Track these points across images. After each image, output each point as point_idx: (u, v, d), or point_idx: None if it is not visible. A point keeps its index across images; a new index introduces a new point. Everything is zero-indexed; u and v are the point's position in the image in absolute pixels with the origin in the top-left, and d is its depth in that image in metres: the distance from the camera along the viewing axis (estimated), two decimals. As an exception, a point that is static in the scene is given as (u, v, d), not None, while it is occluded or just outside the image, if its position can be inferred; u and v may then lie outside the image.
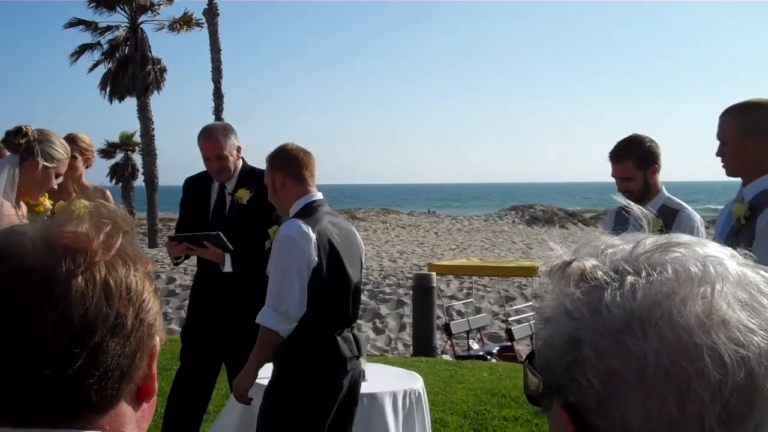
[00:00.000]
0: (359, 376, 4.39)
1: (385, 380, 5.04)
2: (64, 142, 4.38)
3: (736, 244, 3.23)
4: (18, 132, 4.19)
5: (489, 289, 20.09)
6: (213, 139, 5.14)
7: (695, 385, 0.81)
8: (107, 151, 37.10)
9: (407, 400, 4.83)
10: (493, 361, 11.45)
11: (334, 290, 4.11)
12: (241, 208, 5.14)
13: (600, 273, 0.89)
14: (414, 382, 5.07)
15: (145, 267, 1.11)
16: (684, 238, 0.91)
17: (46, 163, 4.19)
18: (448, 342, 12.87)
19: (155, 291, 1.12)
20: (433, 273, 13.80)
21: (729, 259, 0.88)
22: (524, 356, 1.03)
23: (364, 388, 4.82)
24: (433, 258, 27.69)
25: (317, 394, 4.08)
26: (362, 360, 4.41)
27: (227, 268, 4.98)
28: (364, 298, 19.39)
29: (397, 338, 16.12)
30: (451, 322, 12.96)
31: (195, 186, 5.39)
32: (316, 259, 4.03)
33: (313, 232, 4.04)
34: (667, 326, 0.82)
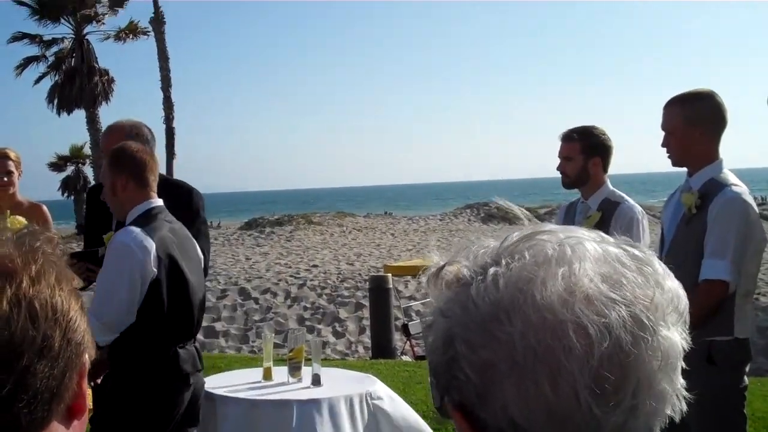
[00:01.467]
0: (201, 390, 4.18)
1: (339, 384, 5.00)
2: None
3: (689, 234, 3.28)
4: None
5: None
6: (109, 131, 4.79)
7: (564, 361, 0.81)
8: (57, 165, 36.70)
9: (364, 404, 4.78)
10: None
11: (174, 303, 3.85)
12: None
13: (466, 271, 0.91)
14: (370, 384, 5.03)
15: (71, 284, 1.10)
16: (549, 226, 0.93)
17: None
18: (407, 343, 12.85)
19: (82, 308, 1.10)
20: (389, 274, 13.78)
21: (589, 240, 0.90)
22: None
23: (318, 393, 4.80)
24: (390, 259, 27.69)
25: (156, 408, 3.85)
26: (201, 374, 4.18)
27: None
28: (323, 302, 19.40)
29: (358, 341, 16.10)
30: (410, 323, 12.93)
31: (92, 195, 4.92)
32: (155, 270, 3.76)
33: (153, 241, 3.79)
34: (531, 309, 0.83)
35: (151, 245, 3.76)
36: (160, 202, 4.02)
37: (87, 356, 1.10)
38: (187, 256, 4.00)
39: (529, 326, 0.83)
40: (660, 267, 0.90)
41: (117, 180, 3.98)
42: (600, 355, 0.81)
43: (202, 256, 4.24)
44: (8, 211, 5.31)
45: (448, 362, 0.89)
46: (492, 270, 0.88)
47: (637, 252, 0.90)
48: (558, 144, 4.79)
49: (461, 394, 0.88)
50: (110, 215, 4.54)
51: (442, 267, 0.94)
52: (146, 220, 3.91)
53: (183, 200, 4.60)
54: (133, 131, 4.69)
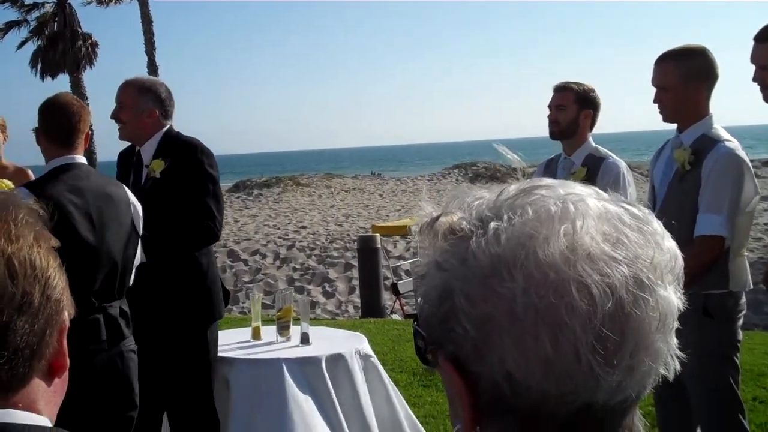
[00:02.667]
0: (121, 360, 3.83)
1: (328, 343, 5.00)
2: None
3: (682, 190, 3.27)
4: None
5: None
6: (123, 84, 4.65)
7: (566, 319, 0.81)
8: (42, 130, 36.38)
9: (352, 361, 4.78)
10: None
11: (67, 269, 3.52)
12: (156, 181, 4.48)
13: (465, 223, 0.90)
14: (358, 342, 5.04)
15: (48, 243, 1.11)
16: (546, 181, 0.92)
17: None
18: (397, 302, 12.89)
19: (60, 266, 1.11)
20: (378, 234, 13.79)
21: (589, 196, 0.89)
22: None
23: (307, 352, 4.80)
24: (378, 220, 27.73)
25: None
26: (126, 341, 3.87)
27: (142, 257, 4.21)
28: (312, 262, 19.43)
29: (348, 301, 16.15)
30: (399, 282, 12.94)
31: (122, 158, 4.82)
32: None
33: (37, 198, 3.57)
34: (533, 265, 0.83)
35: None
36: (75, 159, 3.80)
37: (66, 314, 1.11)
38: (99, 217, 3.74)
39: (531, 283, 0.83)
40: (659, 226, 0.90)
41: (37, 134, 3.87)
42: (603, 315, 0.82)
43: (135, 216, 3.99)
44: None
45: (445, 315, 0.88)
46: (493, 224, 0.87)
47: (636, 210, 0.90)
48: (547, 97, 4.79)
49: (457, 347, 0.88)
50: (128, 179, 4.52)
51: (437, 218, 0.93)
52: (43, 179, 3.75)
53: (187, 158, 4.50)
54: (146, 86, 4.63)
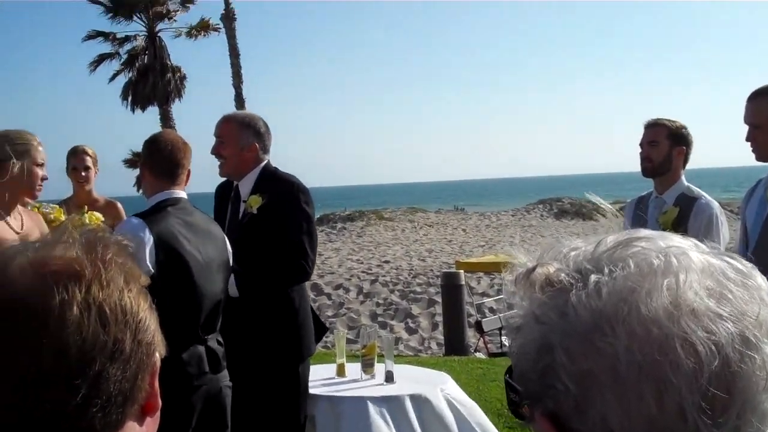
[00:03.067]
0: (219, 394, 3.89)
1: (412, 382, 4.93)
2: (25, 133, 4.18)
3: None
4: None
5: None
6: (222, 120, 4.70)
7: (671, 377, 0.79)
8: (132, 161, 37.22)
9: (436, 401, 4.70)
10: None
11: (173, 302, 3.55)
12: (253, 217, 4.51)
13: (563, 275, 0.87)
14: (442, 381, 4.96)
15: (138, 283, 1.09)
16: (644, 232, 0.90)
17: (15, 161, 4.03)
18: (481, 340, 12.75)
19: (151, 306, 1.10)
20: (462, 271, 13.67)
21: (691, 249, 0.88)
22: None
23: (391, 390, 4.75)
24: (461, 255, 27.58)
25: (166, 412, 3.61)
26: (222, 375, 3.93)
27: (232, 291, 4.29)
28: (395, 298, 19.38)
29: (431, 337, 16.04)
30: (483, 320, 12.83)
31: (219, 192, 4.87)
32: (149, 265, 3.52)
33: (151, 234, 3.62)
34: (636, 321, 0.81)
35: (148, 238, 3.62)
36: (178, 193, 3.89)
37: (158, 355, 1.10)
38: (204, 252, 3.83)
39: (634, 339, 0.80)
40: (763, 282, 0.87)
41: (141, 168, 3.98)
42: (709, 374, 0.79)
43: (229, 255, 4.07)
44: (86, 206, 5.37)
45: (543, 370, 0.86)
46: (593, 277, 0.85)
47: (739, 265, 0.87)
48: (633, 130, 4.72)
49: (556, 404, 0.85)
50: (225, 216, 4.57)
51: (533, 269, 0.91)
52: (151, 211, 3.81)
53: (284, 195, 4.52)
54: (246, 122, 4.66)
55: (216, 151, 4.64)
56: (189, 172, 3.99)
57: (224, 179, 4.84)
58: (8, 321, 0.98)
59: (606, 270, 0.85)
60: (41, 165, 4.15)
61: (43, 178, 4.18)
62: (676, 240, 0.89)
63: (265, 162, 4.66)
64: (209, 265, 3.85)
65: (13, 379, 0.97)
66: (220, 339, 3.98)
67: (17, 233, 4.08)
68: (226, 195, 4.77)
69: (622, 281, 0.83)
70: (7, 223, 4.06)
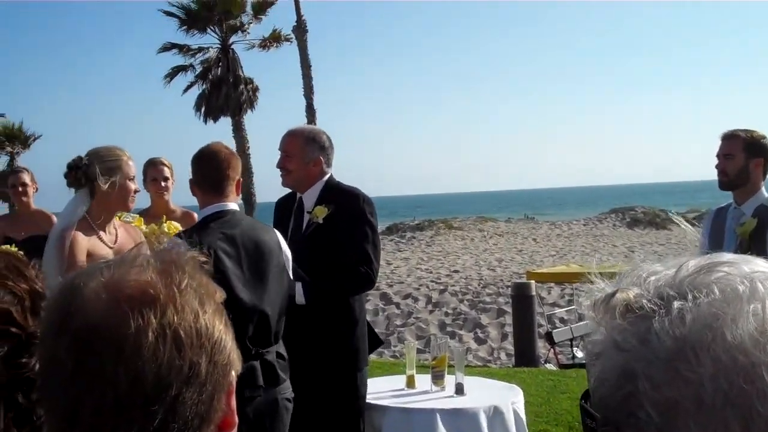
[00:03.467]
0: (276, 406, 3.89)
1: (483, 394, 4.91)
2: (115, 148, 4.32)
3: None
4: (71, 169, 4.18)
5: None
6: (288, 134, 4.76)
7: (757, 406, 0.77)
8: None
9: (506, 414, 4.67)
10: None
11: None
12: (318, 227, 4.59)
13: (645, 301, 0.85)
14: (514, 395, 4.92)
15: (214, 301, 1.09)
16: (727, 256, 0.88)
17: (110, 178, 4.17)
18: (551, 351, 12.64)
19: (227, 324, 1.10)
20: (533, 281, 13.57)
21: None
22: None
23: (462, 403, 4.72)
24: (532, 265, 27.39)
25: None
26: (282, 387, 3.93)
27: (299, 299, 4.36)
28: (464, 308, 19.32)
29: (500, 348, 15.95)
30: (554, 331, 12.72)
31: (281, 205, 4.94)
32: None
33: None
34: (721, 348, 0.79)
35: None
36: (226, 206, 3.91)
37: (234, 373, 1.10)
38: (251, 264, 3.83)
39: (719, 367, 0.78)
40: None
41: (190, 184, 3.99)
42: None
43: (285, 263, 4.07)
44: (164, 217, 5.48)
45: (625, 398, 0.83)
46: (677, 304, 0.83)
47: None
48: (708, 139, 4.63)
49: None
50: (288, 227, 4.60)
51: (612, 294, 0.89)
52: (194, 228, 3.89)
53: (349, 205, 4.60)
54: (311, 136, 4.75)
55: (282, 165, 4.72)
56: (239, 182, 4.01)
57: (286, 194, 4.93)
58: (84, 349, 1.00)
59: (689, 296, 0.83)
60: (132, 179, 4.28)
61: (135, 191, 4.32)
62: (760, 264, 0.87)
63: (329, 175, 4.75)
64: (255, 278, 3.84)
65: (89, 406, 0.99)
66: (282, 351, 3.98)
67: (110, 248, 4.20)
68: (287, 208, 4.84)
69: (707, 308, 0.82)
70: (100, 239, 4.18)
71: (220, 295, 1.12)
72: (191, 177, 4.01)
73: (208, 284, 1.11)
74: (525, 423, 4.87)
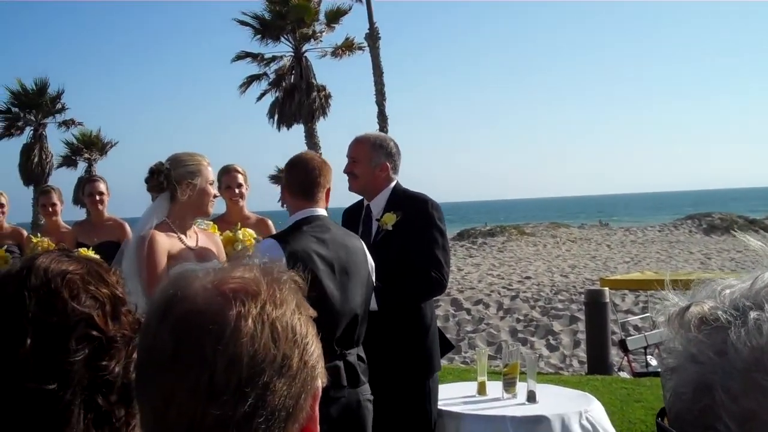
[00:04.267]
0: (358, 407, 3.96)
1: (555, 402, 4.87)
2: (195, 154, 4.41)
3: None
4: (153, 173, 4.28)
5: (665, 295, 19.31)
6: (355, 140, 4.83)
7: None
8: (277, 177, 37.99)
9: (579, 423, 4.62)
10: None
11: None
12: (387, 234, 4.63)
13: (720, 313, 0.85)
14: (587, 403, 4.87)
15: (308, 312, 1.15)
16: None
17: (191, 182, 4.27)
18: (625, 359, 12.46)
19: (317, 336, 1.15)
20: (606, 288, 13.40)
21: None
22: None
23: (533, 410, 4.69)
24: (606, 272, 27.04)
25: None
26: (362, 389, 3.99)
27: (371, 305, 4.31)
28: (536, 314, 19.16)
29: (572, 355, 15.77)
30: (627, 338, 12.53)
31: (348, 215, 4.97)
32: None
33: (283, 253, 3.71)
34: None
35: (280, 257, 3.70)
36: (316, 211, 4.00)
37: (320, 381, 1.14)
38: (341, 268, 3.92)
39: None
40: None
41: (282, 189, 4.10)
42: None
43: (370, 268, 4.16)
44: (239, 224, 5.57)
45: (702, 411, 0.83)
46: (753, 314, 0.82)
47: None
48: None
49: None
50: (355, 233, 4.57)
51: (687, 307, 0.89)
52: (287, 231, 3.95)
53: (418, 211, 4.64)
54: (378, 142, 4.81)
55: (349, 170, 4.78)
56: (329, 190, 4.10)
57: (354, 202, 4.99)
58: (187, 331, 1.06)
59: (766, 306, 0.83)
60: (212, 183, 4.39)
61: (214, 197, 4.42)
62: None
63: (395, 182, 4.80)
64: (345, 281, 3.93)
65: (188, 384, 1.04)
66: (362, 354, 4.05)
67: (191, 249, 4.29)
68: (355, 216, 4.88)
69: None
70: (182, 240, 4.28)
71: (312, 312, 1.17)
72: (284, 182, 4.12)
73: (304, 301, 1.16)
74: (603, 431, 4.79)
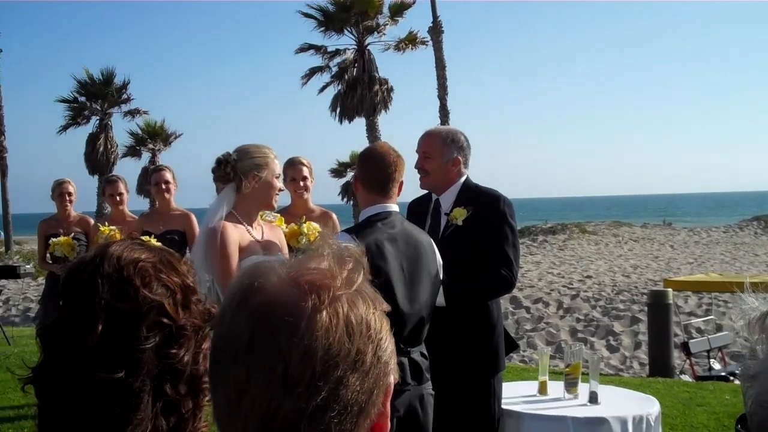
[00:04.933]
0: (422, 400, 3.94)
1: (618, 404, 4.81)
2: (262, 146, 4.41)
3: None
4: (220, 164, 4.31)
5: (731, 306, 19.00)
6: (426, 134, 4.76)
7: None
8: (338, 171, 38.29)
9: (642, 426, 4.56)
10: (737, 382, 10.79)
11: None
12: (457, 229, 4.58)
13: None
14: (650, 406, 4.80)
15: (382, 307, 1.14)
16: None
17: (258, 174, 4.28)
18: (687, 362, 12.27)
19: (390, 332, 1.14)
20: (670, 289, 13.20)
21: None
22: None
23: (595, 411, 4.64)
24: (668, 272, 26.63)
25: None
26: (426, 385, 3.97)
27: (439, 301, 4.27)
28: (596, 314, 18.95)
29: (633, 356, 15.57)
30: (690, 341, 12.33)
31: (414, 208, 4.92)
32: None
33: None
34: None
35: None
36: (389, 207, 3.97)
37: (392, 378, 1.13)
38: (411, 266, 3.89)
39: None
40: None
41: (354, 181, 4.08)
42: None
43: (439, 266, 4.12)
44: (303, 217, 5.60)
45: None
46: None
47: None
48: None
49: None
50: (422, 228, 4.52)
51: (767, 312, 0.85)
52: (360, 226, 3.94)
53: (490, 207, 4.59)
54: (449, 137, 4.75)
55: (420, 166, 4.73)
56: (401, 184, 4.07)
57: (420, 195, 4.93)
58: (262, 322, 1.06)
59: None
60: (278, 177, 4.40)
61: (280, 190, 4.43)
62: None
63: (466, 176, 4.74)
64: (414, 279, 3.90)
65: (263, 375, 1.04)
66: (425, 351, 4.03)
67: (258, 242, 4.32)
68: (421, 210, 4.83)
69: None
70: (249, 232, 4.32)
71: (386, 306, 1.16)
72: (357, 174, 4.10)
73: (378, 295, 1.15)
74: None
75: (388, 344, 1.12)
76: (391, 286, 3.74)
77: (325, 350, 1.04)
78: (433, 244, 4.15)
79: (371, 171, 4.01)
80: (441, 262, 4.17)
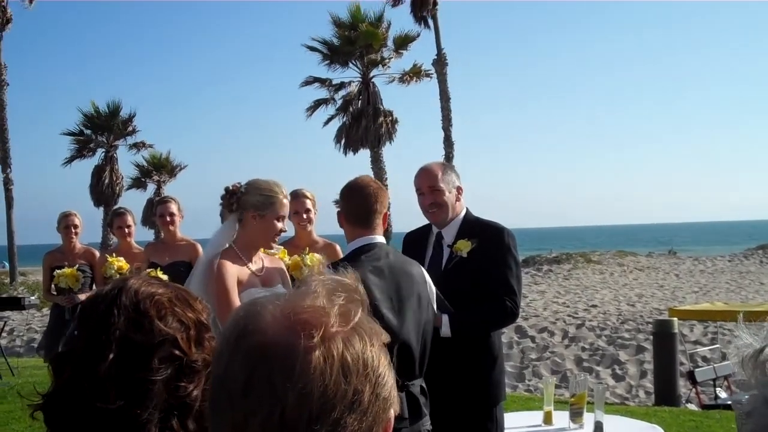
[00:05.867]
0: None
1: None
2: (274, 185, 4.38)
3: None
4: (229, 192, 4.31)
5: (736, 334, 18.90)
6: (427, 170, 4.73)
7: None
8: (342, 202, 38.25)
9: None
10: (744, 411, 10.71)
11: None
12: (461, 261, 4.58)
13: None
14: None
15: (380, 340, 1.13)
16: None
17: (260, 212, 4.27)
18: (693, 390, 12.21)
19: (390, 364, 1.13)
20: (675, 318, 13.18)
21: None
22: None
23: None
24: (674, 301, 26.57)
25: None
26: (424, 421, 3.89)
27: (444, 331, 4.33)
28: (602, 343, 18.88)
29: (638, 385, 15.51)
30: (696, 369, 12.27)
31: (412, 240, 4.90)
32: None
33: None
34: None
35: None
36: (374, 239, 3.93)
37: (392, 411, 1.12)
38: (398, 296, 3.82)
39: None
40: None
41: (338, 216, 4.04)
42: None
43: (431, 294, 4.08)
44: (307, 248, 5.61)
45: None
46: None
47: None
48: None
49: None
50: (422, 260, 4.53)
51: (761, 350, 0.87)
52: (344, 260, 3.93)
53: (494, 240, 4.61)
54: (446, 167, 4.82)
55: (432, 201, 4.69)
56: (386, 215, 4.04)
57: (415, 229, 4.93)
58: (257, 363, 1.05)
59: None
60: (280, 218, 4.35)
61: (281, 231, 4.40)
62: None
63: (466, 209, 4.78)
64: (403, 311, 3.84)
65: (260, 417, 1.03)
66: (424, 386, 3.98)
67: (257, 276, 4.32)
68: (420, 241, 4.82)
69: None
70: (247, 267, 4.31)
71: (385, 336, 1.15)
72: (340, 208, 4.06)
73: (376, 325, 1.14)
74: None
75: (388, 379, 1.10)
76: (381, 319, 3.69)
77: (321, 392, 1.02)
78: (425, 273, 4.12)
79: (353, 204, 3.99)
80: (434, 290, 4.13)
